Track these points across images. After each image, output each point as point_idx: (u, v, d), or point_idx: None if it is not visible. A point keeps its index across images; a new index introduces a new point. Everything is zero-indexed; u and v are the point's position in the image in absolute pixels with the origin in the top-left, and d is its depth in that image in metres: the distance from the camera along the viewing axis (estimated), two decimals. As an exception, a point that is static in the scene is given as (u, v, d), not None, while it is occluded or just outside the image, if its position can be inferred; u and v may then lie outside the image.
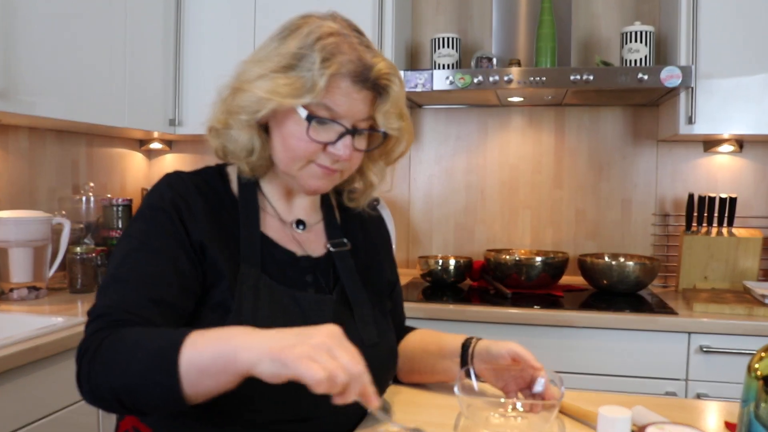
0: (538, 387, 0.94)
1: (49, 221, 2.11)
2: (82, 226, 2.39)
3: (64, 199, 2.48)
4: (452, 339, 1.19)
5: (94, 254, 2.19)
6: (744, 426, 1.02)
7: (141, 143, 3.02)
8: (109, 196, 2.63)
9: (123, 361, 0.84)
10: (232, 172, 1.11)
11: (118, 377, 0.84)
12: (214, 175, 1.10)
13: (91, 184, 2.51)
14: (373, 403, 0.79)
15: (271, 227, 1.09)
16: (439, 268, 2.54)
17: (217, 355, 0.79)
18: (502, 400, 1.11)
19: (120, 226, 2.48)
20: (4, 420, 1.48)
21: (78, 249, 2.17)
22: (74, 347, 0.91)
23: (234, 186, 1.10)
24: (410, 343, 1.26)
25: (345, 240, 1.15)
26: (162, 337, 0.85)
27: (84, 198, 2.46)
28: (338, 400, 0.76)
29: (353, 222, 1.20)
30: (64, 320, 1.71)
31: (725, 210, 2.45)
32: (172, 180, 1.04)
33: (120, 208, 2.49)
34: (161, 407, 0.84)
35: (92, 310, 0.93)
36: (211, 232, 1.01)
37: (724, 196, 2.46)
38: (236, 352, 0.77)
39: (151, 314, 0.92)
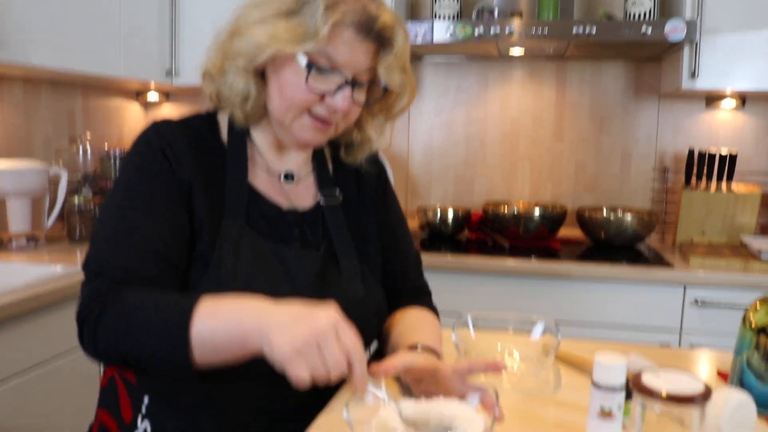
0: (472, 403, 0.90)
1: (47, 171, 2.10)
2: (79, 176, 2.38)
3: (61, 150, 2.46)
4: (409, 341, 1.05)
5: (92, 204, 2.19)
6: (736, 374, 1.03)
7: (137, 94, 2.99)
8: (106, 146, 2.61)
9: (130, 329, 0.85)
10: (223, 120, 1.08)
11: (125, 345, 0.85)
12: (204, 122, 1.08)
13: (88, 135, 2.49)
14: (357, 387, 0.80)
15: (259, 179, 1.07)
16: (438, 219, 2.54)
17: (229, 338, 0.81)
18: (499, 346, 1.12)
19: (111, 189, 2.47)
20: (5, 366, 1.50)
21: (76, 199, 2.17)
22: (74, 295, 0.91)
23: (224, 134, 1.07)
24: (393, 325, 1.14)
25: (337, 192, 1.13)
26: (171, 306, 0.85)
27: (81, 148, 2.44)
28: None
29: (347, 176, 1.17)
30: (63, 269, 1.72)
31: (725, 166, 2.44)
32: (160, 127, 1.02)
33: (117, 160, 2.48)
34: (169, 373, 0.86)
35: (88, 267, 0.93)
36: (197, 181, 0.99)
37: (724, 151, 2.45)
38: (245, 338, 0.80)
39: (151, 272, 0.91)
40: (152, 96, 2.98)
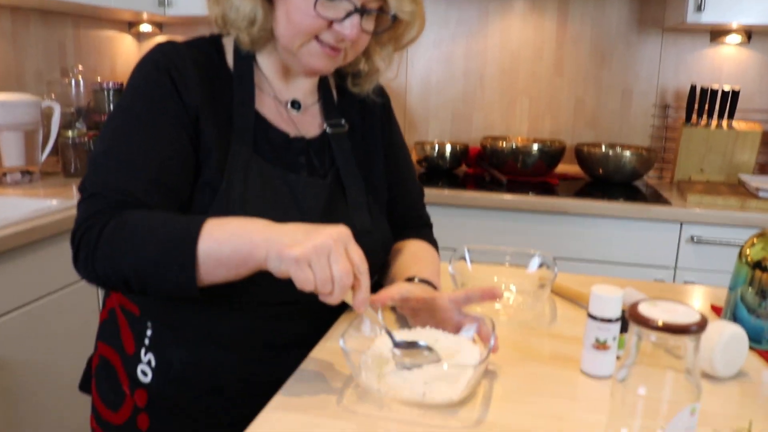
0: (468, 333, 0.90)
1: (39, 104, 2.07)
2: (72, 110, 2.34)
3: (53, 82, 2.41)
4: (407, 273, 1.06)
5: (86, 138, 2.17)
6: (730, 308, 1.04)
7: (130, 25, 2.92)
8: (99, 79, 2.57)
9: (134, 247, 0.83)
10: (228, 44, 1.05)
11: (127, 263, 0.84)
12: (209, 45, 1.04)
13: (80, 67, 2.44)
14: (358, 309, 0.81)
15: (266, 105, 1.05)
16: (436, 154, 2.53)
17: (235, 250, 0.81)
18: (495, 279, 1.13)
19: (112, 110, 2.44)
20: (3, 300, 1.51)
21: (70, 133, 2.14)
22: (70, 229, 0.90)
23: (230, 59, 1.04)
24: (392, 258, 1.15)
25: (343, 121, 1.11)
26: (176, 225, 0.84)
27: (73, 81, 2.40)
28: (323, 299, 0.79)
29: (353, 106, 1.15)
30: (58, 203, 1.71)
31: (727, 102, 2.41)
32: (166, 49, 0.99)
33: (111, 92, 2.44)
34: (172, 293, 0.85)
35: (85, 187, 0.91)
36: (205, 105, 0.97)
37: (726, 88, 2.42)
38: (252, 249, 0.80)
39: (149, 196, 0.90)
40: (145, 27, 2.92)
